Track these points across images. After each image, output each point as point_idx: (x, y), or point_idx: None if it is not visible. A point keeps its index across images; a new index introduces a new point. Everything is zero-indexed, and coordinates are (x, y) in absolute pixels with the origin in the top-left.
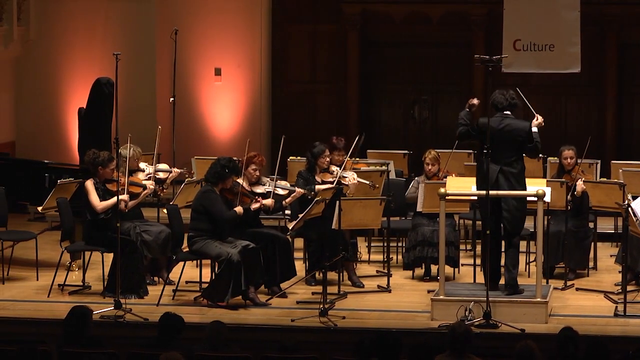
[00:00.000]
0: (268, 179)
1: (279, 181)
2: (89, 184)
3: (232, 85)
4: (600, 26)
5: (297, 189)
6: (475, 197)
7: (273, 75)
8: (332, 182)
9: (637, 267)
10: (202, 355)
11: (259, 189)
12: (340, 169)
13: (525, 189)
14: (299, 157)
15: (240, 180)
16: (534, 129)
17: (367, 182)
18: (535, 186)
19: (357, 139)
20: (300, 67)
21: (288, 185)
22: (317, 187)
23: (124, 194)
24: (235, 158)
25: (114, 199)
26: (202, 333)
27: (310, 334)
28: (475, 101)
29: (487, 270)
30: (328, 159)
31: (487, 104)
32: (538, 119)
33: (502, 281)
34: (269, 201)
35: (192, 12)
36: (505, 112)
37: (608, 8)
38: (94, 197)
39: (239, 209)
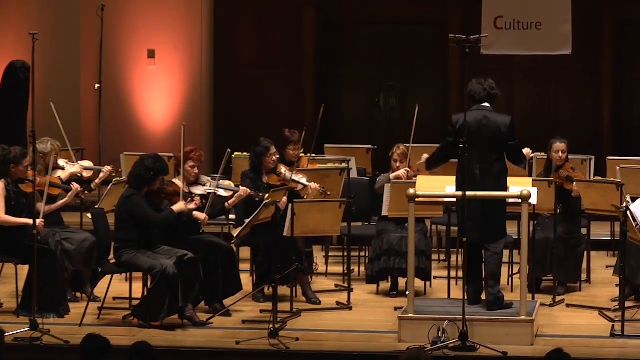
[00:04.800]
0: (209, 179)
1: (221, 181)
2: None
3: (167, 70)
4: (594, 1)
5: (242, 188)
6: (452, 200)
7: (215, 58)
8: (280, 187)
9: (636, 280)
10: None
11: (198, 190)
12: (290, 173)
13: (506, 189)
14: (245, 154)
15: (176, 180)
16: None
17: (317, 187)
18: (519, 186)
19: (320, 111)
20: (247, 49)
21: (232, 185)
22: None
23: (41, 197)
24: (170, 155)
25: (25, 220)
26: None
27: (258, 359)
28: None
29: (467, 283)
30: (275, 158)
31: (463, 93)
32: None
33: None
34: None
35: None
36: (483, 104)
37: None
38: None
39: (177, 206)
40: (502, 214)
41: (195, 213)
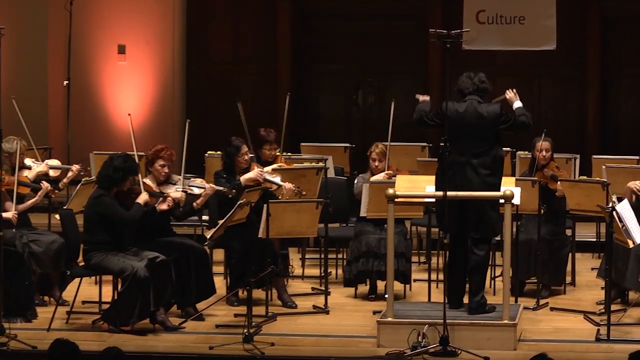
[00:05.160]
0: (180, 178)
1: (193, 179)
2: None
3: (138, 66)
4: None
5: (209, 185)
6: (433, 200)
7: (188, 54)
8: (254, 187)
9: (623, 283)
10: None
11: (169, 189)
12: (264, 172)
13: (498, 184)
14: (218, 152)
15: (147, 180)
16: (517, 104)
17: (292, 187)
18: (502, 186)
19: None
20: (221, 44)
21: (205, 184)
22: (244, 178)
23: (10, 196)
24: (141, 153)
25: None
26: None
27: None
28: (424, 98)
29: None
30: (247, 158)
31: (445, 89)
32: (508, 93)
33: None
34: (178, 194)
35: None
36: (474, 97)
37: None
38: None
39: (141, 198)
40: (494, 209)
41: (172, 194)
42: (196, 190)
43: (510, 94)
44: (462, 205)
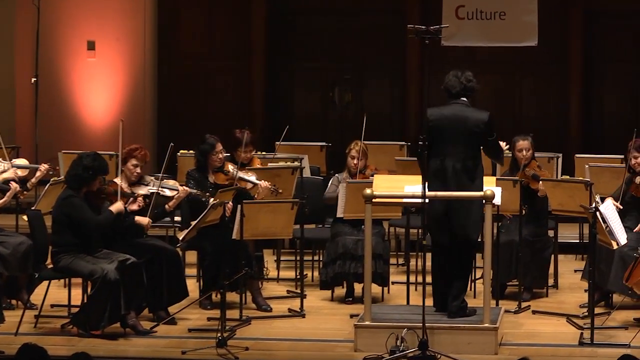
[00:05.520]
0: (152, 178)
1: (165, 180)
2: None
3: (108, 63)
4: None
5: (182, 188)
6: (411, 200)
7: (160, 50)
8: (228, 186)
9: (607, 285)
10: None
11: (142, 190)
12: (237, 169)
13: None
14: (191, 152)
15: (117, 180)
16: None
17: (269, 185)
18: (483, 186)
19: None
20: (194, 40)
21: (177, 185)
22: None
23: None
24: (112, 152)
25: None
26: None
27: None
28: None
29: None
30: (221, 156)
31: (424, 86)
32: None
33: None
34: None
35: None
36: (461, 99)
37: None
38: None
39: (115, 206)
40: (476, 216)
41: (137, 218)
42: (168, 192)
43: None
44: (446, 214)
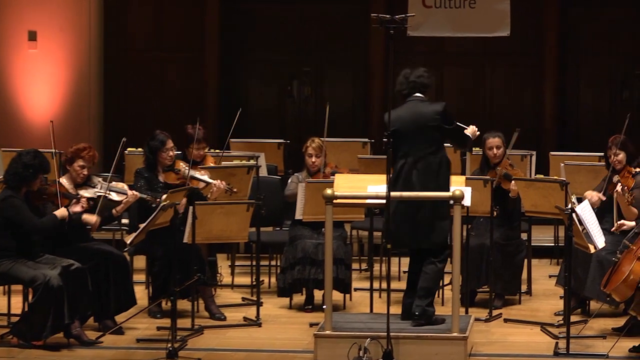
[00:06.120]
0: (100, 179)
1: (114, 183)
2: None
3: (51, 55)
4: None
5: (131, 192)
6: (375, 201)
7: (106, 41)
8: (179, 186)
9: (583, 291)
10: None
11: (87, 193)
12: (189, 168)
13: (447, 188)
14: (139, 149)
15: (63, 180)
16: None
17: (222, 185)
18: (451, 186)
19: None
20: (143, 31)
21: (126, 187)
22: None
23: None
24: (54, 150)
25: None
26: None
27: None
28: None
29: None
30: (172, 154)
31: (388, 79)
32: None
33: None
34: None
35: None
36: (414, 96)
37: None
38: None
39: (60, 212)
40: (443, 216)
41: (85, 216)
42: (116, 197)
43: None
44: (413, 218)
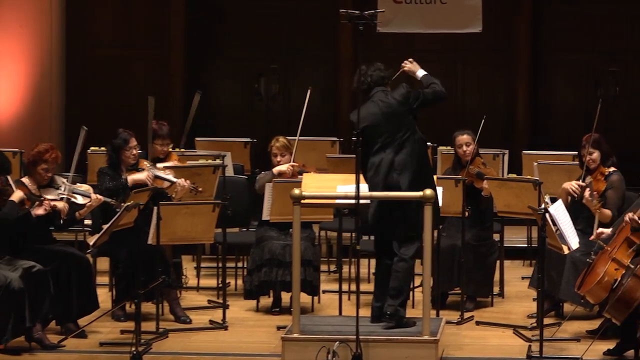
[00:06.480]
0: (64, 180)
1: (78, 185)
2: None
3: (10, 51)
4: None
5: (95, 196)
6: (345, 201)
7: (69, 37)
8: (143, 185)
9: (557, 294)
10: None
11: (51, 195)
12: (154, 167)
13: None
14: (102, 148)
15: (25, 180)
16: (420, 73)
17: (187, 184)
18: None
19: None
20: (107, 26)
21: (90, 190)
22: (131, 178)
23: None
24: (15, 150)
25: None
26: None
27: None
28: None
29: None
30: (135, 152)
31: (355, 77)
32: (405, 65)
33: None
34: (60, 204)
35: None
36: (377, 88)
37: None
38: None
39: (15, 195)
40: (416, 208)
41: (54, 203)
42: (80, 200)
43: (408, 65)
44: (387, 207)
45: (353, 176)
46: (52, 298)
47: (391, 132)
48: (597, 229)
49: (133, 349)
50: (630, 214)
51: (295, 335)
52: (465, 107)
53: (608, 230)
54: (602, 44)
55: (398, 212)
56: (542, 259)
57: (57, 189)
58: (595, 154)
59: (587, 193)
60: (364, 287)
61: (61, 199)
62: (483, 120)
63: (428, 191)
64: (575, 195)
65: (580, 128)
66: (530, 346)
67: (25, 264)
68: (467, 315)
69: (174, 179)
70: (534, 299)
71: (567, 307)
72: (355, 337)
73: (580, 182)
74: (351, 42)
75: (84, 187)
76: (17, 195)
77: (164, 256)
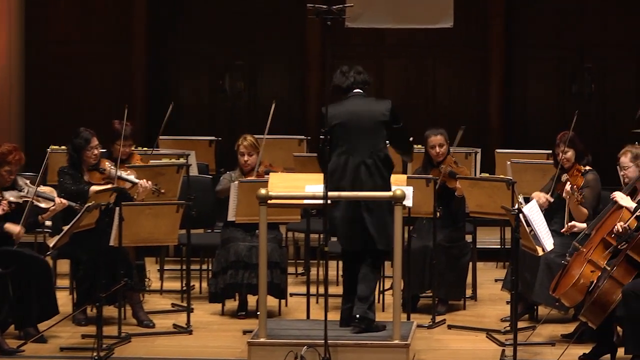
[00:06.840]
0: (27, 182)
1: (41, 187)
2: None
3: None
4: None
5: (59, 201)
6: (312, 202)
7: (27, 33)
8: (105, 187)
9: (531, 296)
10: None
11: (13, 196)
12: (116, 168)
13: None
14: (63, 147)
15: None
16: None
17: (149, 185)
18: (392, 185)
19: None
20: (67, 23)
21: (54, 194)
22: (92, 188)
23: None
24: None
25: None
26: None
27: None
28: None
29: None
30: (97, 152)
31: (325, 74)
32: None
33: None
34: (16, 229)
35: None
36: (356, 91)
37: None
38: None
39: None
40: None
41: (7, 225)
42: (43, 204)
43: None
44: (361, 221)
45: (321, 175)
46: (11, 301)
47: (365, 138)
48: (569, 222)
49: (95, 354)
50: (621, 223)
51: (262, 339)
52: (436, 104)
53: (582, 225)
54: (576, 41)
55: (374, 229)
56: (516, 261)
57: (20, 190)
58: (570, 153)
59: (568, 186)
60: (332, 290)
61: (24, 201)
62: (461, 131)
63: (398, 191)
64: (544, 209)
65: (554, 125)
66: (503, 350)
67: None
68: (438, 318)
69: (136, 180)
70: (507, 302)
71: (542, 310)
72: (323, 341)
73: (549, 197)
74: (319, 37)
75: (48, 190)
76: None
77: (126, 258)
